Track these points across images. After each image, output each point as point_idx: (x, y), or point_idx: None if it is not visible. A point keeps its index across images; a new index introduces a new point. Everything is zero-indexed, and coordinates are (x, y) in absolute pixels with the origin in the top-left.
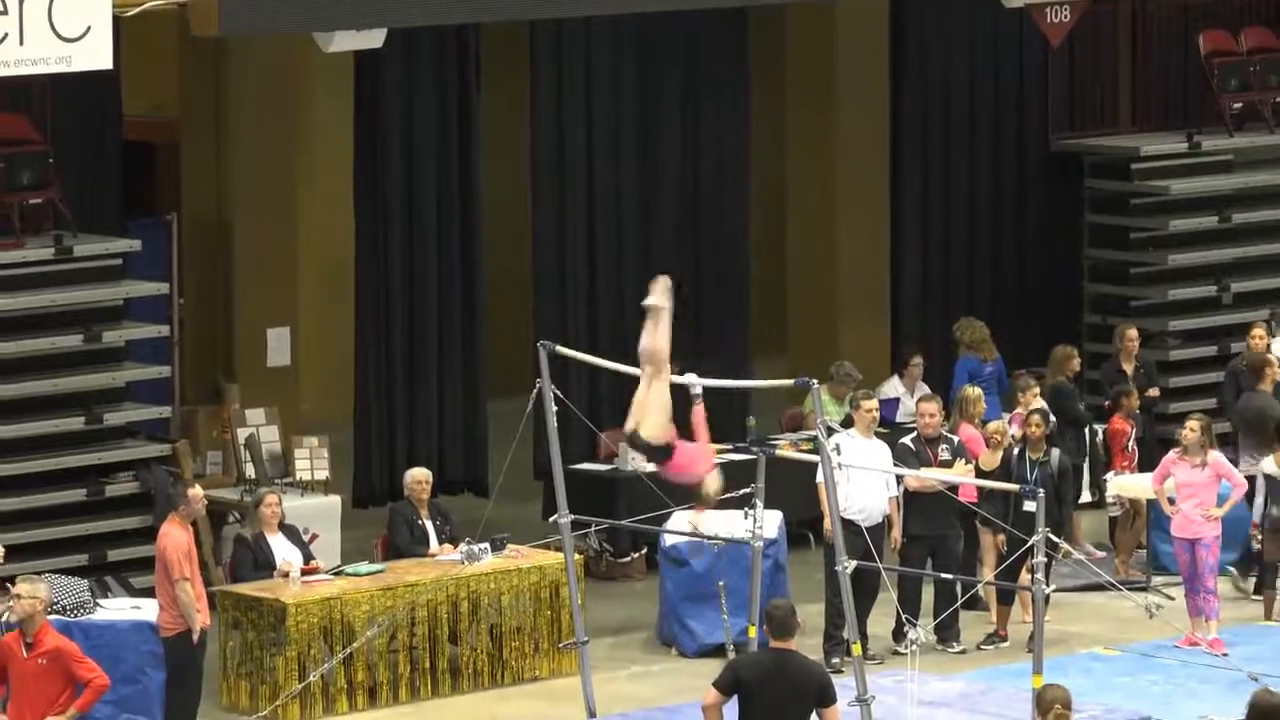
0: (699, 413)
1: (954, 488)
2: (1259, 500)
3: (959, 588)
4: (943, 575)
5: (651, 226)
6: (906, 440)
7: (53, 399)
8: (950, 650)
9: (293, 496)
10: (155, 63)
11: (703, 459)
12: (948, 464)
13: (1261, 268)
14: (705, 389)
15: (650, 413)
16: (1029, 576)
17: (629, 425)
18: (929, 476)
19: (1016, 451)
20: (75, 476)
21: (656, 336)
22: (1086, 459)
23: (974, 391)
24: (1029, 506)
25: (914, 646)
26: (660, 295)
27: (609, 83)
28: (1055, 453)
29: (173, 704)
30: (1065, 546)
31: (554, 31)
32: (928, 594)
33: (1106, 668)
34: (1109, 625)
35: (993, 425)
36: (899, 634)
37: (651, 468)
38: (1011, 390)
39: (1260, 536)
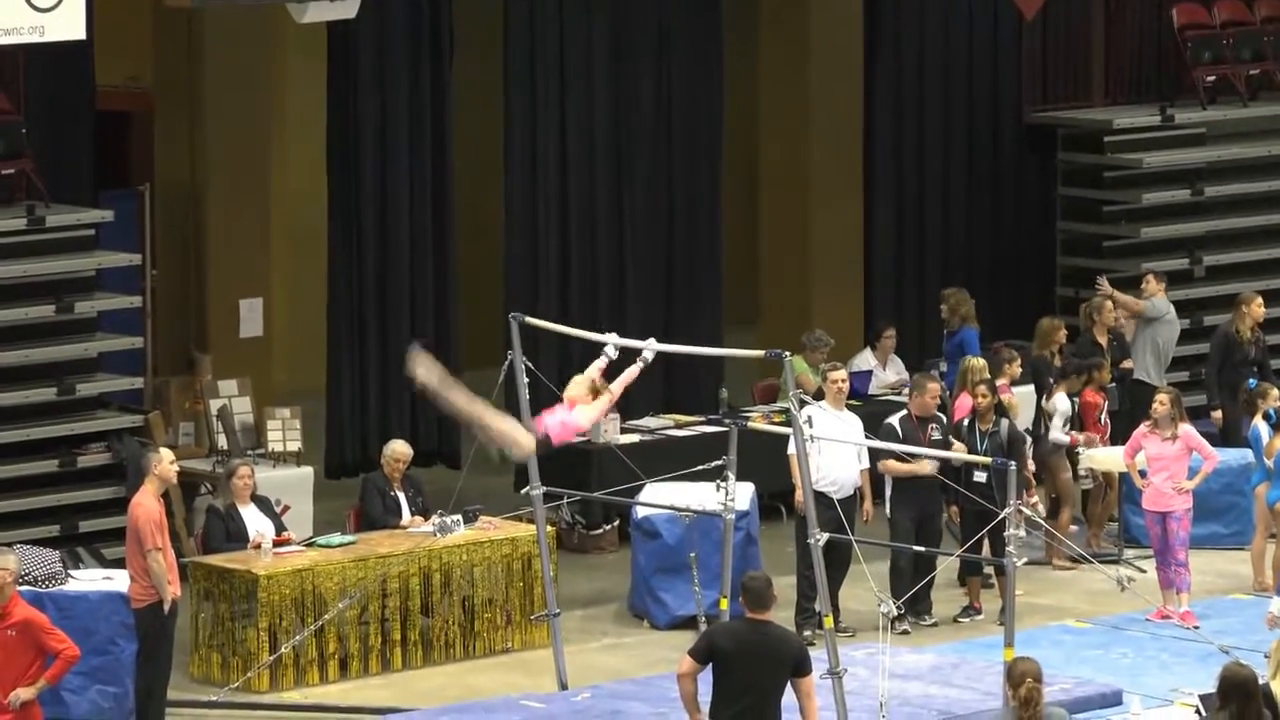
0: (631, 372)
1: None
2: None
3: (938, 562)
4: (914, 548)
5: (624, 198)
6: (894, 421)
7: (24, 369)
8: (923, 623)
9: (265, 468)
10: (128, 33)
11: (571, 426)
12: (938, 444)
13: (1234, 241)
14: (681, 359)
15: (503, 442)
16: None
17: (493, 452)
18: (899, 468)
19: (966, 423)
20: (47, 447)
21: (450, 402)
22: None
23: (979, 362)
24: (979, 477)
25: (891, 620)
26: (420, 373)
27: (582, 53)
28: (1005, 423)
29: (144, 675)
30: (1029, 513)
31: (527, 1)
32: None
33: (1077, 640)
34: (1080, 598)
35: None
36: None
37: (621, 440)
38: (995, 362)
39: None
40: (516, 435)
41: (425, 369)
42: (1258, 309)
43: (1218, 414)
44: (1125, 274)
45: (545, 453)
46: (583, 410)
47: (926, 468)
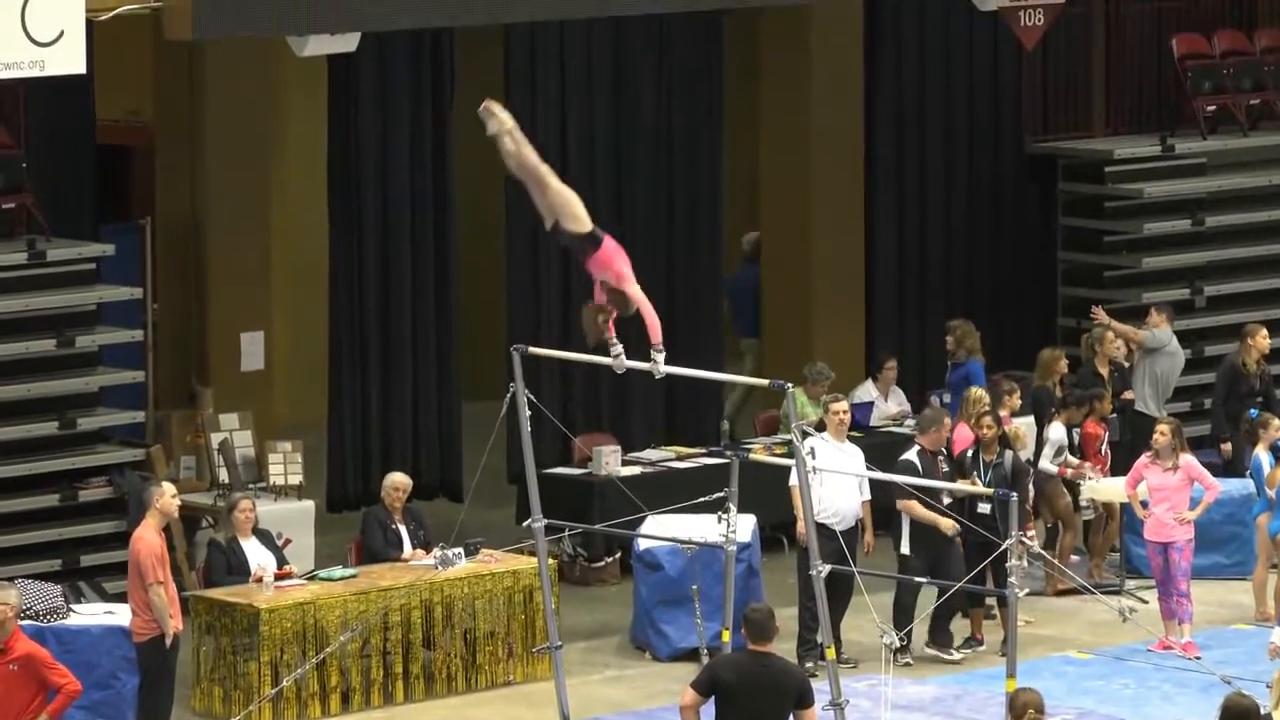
0: (652, 318)
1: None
2: None
3: (964, 597)
4: (917, 579)
5: (625, 229)
6: (911, 456)
7: (26, 404)
8: (947, 656)
9: (266, 501)
10: (129, 67)
11: (623, 258)
12: (946, 476)
13: (1234, 271)
14: (683, 387)
15: (561, 210)
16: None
17: (548, 224)
18: (922, 514)
19: (970, 453)
20: (49, 481)
21: (520, 153)
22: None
23: (980, 393)
24: (983, 508)
25: (894, 652)
26: (496, 118)
27: (582, 84)
28: (1009, 454)
29: (146, 709)
30: (1030, 544)
31: (527, 34)
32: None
33: (1080, 671)
34: (1082, 629)
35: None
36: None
37: (623, 472)
38: (995, 394)
39: None
40: (577, 209)
41: (501, 112)
42: (1263, 341)
43: (1227, 446)
44: (1126, 304)
45: (591, 247)
46: (627, 268)
47: (949, 527)
